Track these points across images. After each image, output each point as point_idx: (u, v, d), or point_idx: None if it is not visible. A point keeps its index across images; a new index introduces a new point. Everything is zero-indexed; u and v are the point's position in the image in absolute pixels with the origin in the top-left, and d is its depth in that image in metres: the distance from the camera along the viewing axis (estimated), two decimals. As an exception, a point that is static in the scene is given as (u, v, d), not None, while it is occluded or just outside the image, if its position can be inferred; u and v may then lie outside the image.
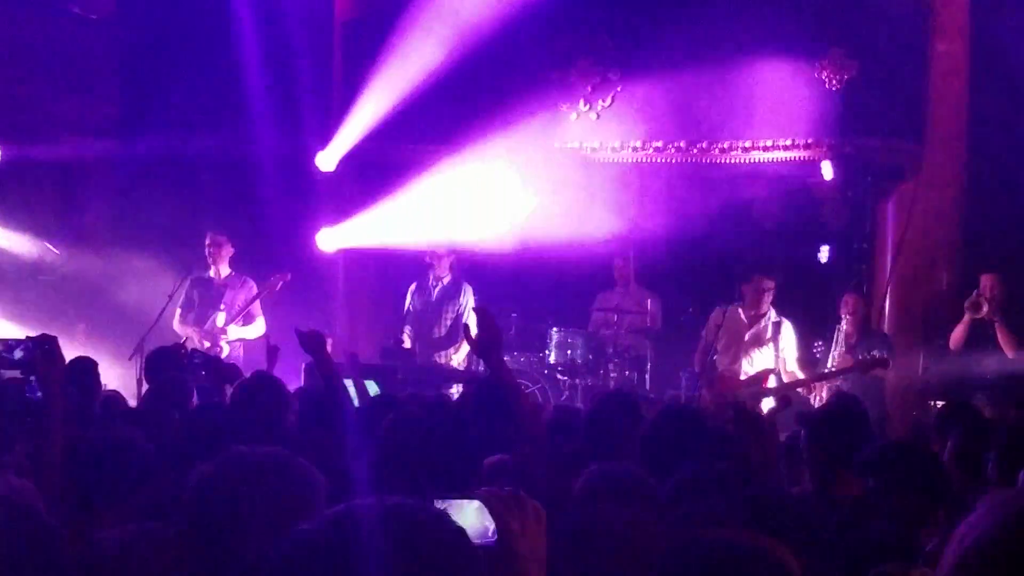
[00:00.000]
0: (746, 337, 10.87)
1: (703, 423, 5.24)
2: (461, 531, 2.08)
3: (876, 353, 10.19)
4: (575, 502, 3.18)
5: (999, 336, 10.05)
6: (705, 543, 2.49)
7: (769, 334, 10.77)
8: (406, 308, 12.11)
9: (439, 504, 2.49)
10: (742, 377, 10.76)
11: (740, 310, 10.96)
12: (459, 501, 2.48)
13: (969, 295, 10.23)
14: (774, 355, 10.72)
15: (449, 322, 11.87)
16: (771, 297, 10.91)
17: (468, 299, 11.80)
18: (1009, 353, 10.00)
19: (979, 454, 5.41)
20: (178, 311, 11.48)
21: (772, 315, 10.83)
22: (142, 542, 3.48)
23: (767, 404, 10.30)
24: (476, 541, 2.44)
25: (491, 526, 2.44)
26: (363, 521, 1.99)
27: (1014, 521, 1.81)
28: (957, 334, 10.31)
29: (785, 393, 10.03)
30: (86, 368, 7.10)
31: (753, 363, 10.80)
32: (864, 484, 4.81)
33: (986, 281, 10.23)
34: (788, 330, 10.80)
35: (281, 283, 11.36)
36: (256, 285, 11.53)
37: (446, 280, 11.92)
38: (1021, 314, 10.20)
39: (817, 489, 5.14)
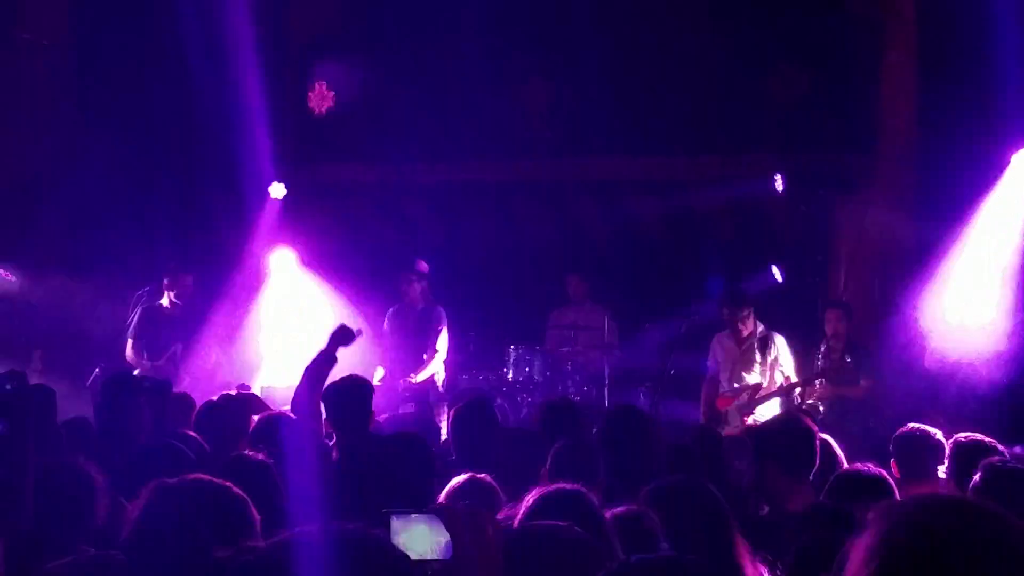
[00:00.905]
0: (736, 360, 10.82)
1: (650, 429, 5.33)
2: (404, 557, 2.09)
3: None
4: (522, 519, 3.21)
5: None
6: (649, 563, 2.50)
7: (757, 351, 10.67)
8: (384, 331, 12.04)
9: (396, 519, 2.50)
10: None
11: (729, 335, 10.88)
12: (415, 515, 2.50)
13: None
14: (763, 371, 10.62)
15: (424, 346, 11.81)
16: (751, 320, 10.79)
17: (442, 323, 11.77)
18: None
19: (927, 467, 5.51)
20: (130, 341, 11.42)
21: (759, 331, 10.74)
22: (94, 570, 3.47)
23: (763, 411, 10.30)
24: (432, 556, 2.46)
25: (447, 540, 2.46)
26: (306, 547, 2.00)
27: (908, 532, 1.84)
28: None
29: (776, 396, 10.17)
30: (43, 396, 6.98)
31: (746, 382, 10.73)
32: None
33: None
34: (779, 342, 10.65)
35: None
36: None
37: (420, 306, 11.89)
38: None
39: (769, 505, 5.18)
